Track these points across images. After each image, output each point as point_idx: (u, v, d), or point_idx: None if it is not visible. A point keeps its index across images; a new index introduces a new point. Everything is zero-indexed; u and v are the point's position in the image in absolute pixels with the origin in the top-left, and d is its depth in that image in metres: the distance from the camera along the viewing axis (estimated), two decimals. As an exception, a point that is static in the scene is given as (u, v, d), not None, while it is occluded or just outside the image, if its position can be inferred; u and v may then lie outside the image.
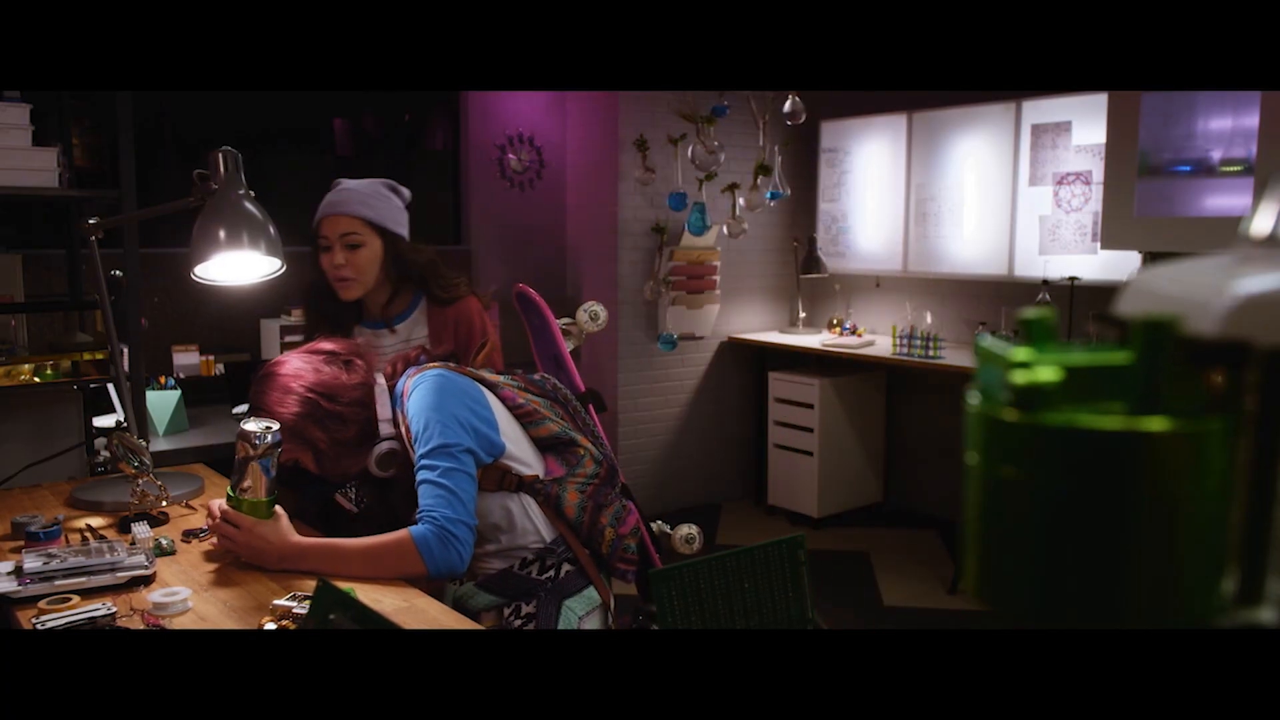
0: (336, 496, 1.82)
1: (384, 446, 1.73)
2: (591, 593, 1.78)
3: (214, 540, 1.70)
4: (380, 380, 1.78)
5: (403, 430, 1.72)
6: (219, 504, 1.69)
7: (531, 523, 1.73)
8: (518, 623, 1.73)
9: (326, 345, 1.80)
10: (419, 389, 1.70)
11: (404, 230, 2.15)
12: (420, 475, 1.62)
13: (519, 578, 1.73)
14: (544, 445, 1.80)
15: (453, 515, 1.57)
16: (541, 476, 1.74)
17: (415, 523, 1.60)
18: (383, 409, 1.75)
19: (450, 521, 1.57)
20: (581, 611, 1.77)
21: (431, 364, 1.78)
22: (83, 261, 2.65)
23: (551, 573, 1.74)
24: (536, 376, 1.97)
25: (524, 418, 1.78)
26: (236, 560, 1.67)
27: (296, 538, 1.63)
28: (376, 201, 2.11)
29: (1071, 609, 0.37)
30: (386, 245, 2.12)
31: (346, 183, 2.14)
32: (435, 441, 1.62)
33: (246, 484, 1.61)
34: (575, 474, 1.78)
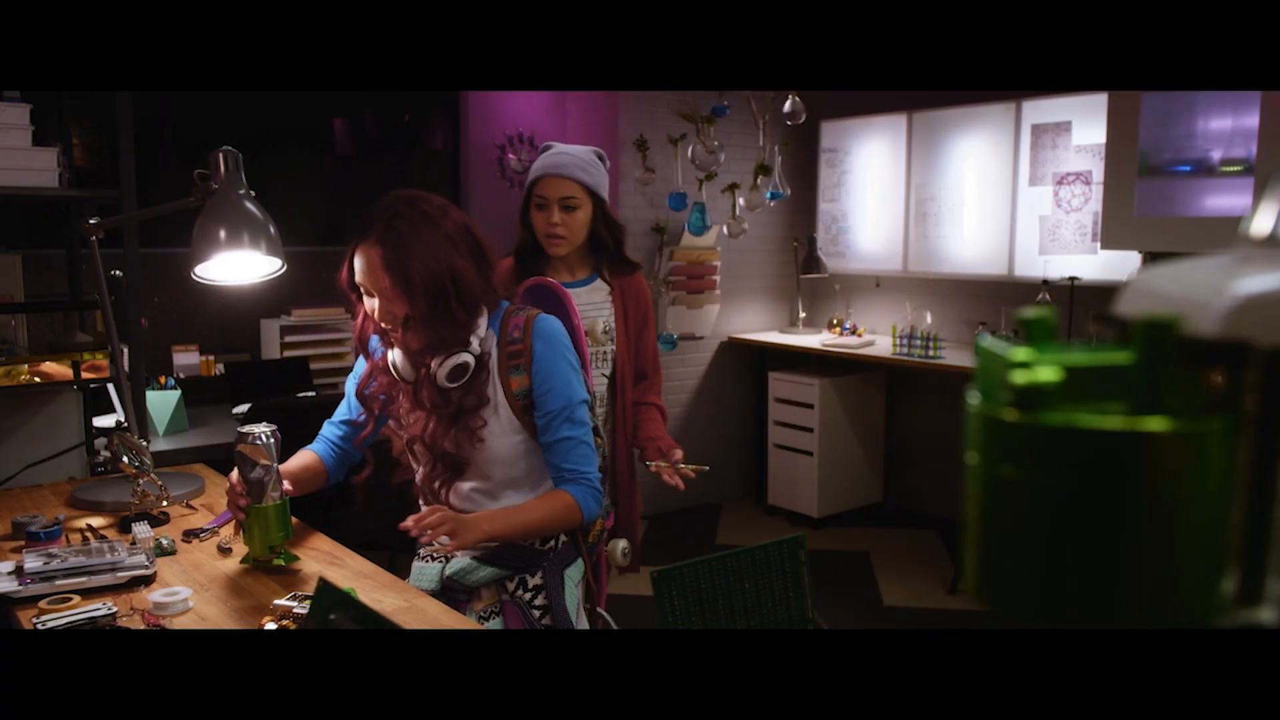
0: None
1: (462, 358, 1.63)
2: (580, 563, 1.83)
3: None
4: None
5: (495, 355, 1.69)
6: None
7: (547, 482, 1.76)
8: (527, 595, 1.73)
9: (476, 230, 1.71)
10: (548, 334, 1.71)
11: (607, 196, 2.31)
12: (565, 429, 1.70)
13: (523, 549, 1.73)
14: None
15: (595, 474, 1.74)
16: None
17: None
18: (481, 326, 1.68)
19: (597, 480, 1.74)
20: (575, 580, 1.81)
21: (539, 310, 1.77)
22: (83, 261, 2.65)
23: (552, 543, 1.76)
24: None
25: None
26: (236, 560, 1.67)
27: (479, 515, 1.65)
28: (592, 169, 2.25)
29: (1071, 609, 0.37)
30: (596, 210, 2.27)
31: (560, 146, 2.27)
32: (580, 396, 1.73)
33: (274, 493, 1.62)
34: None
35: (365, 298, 1.66)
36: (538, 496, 1.71)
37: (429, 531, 1.54)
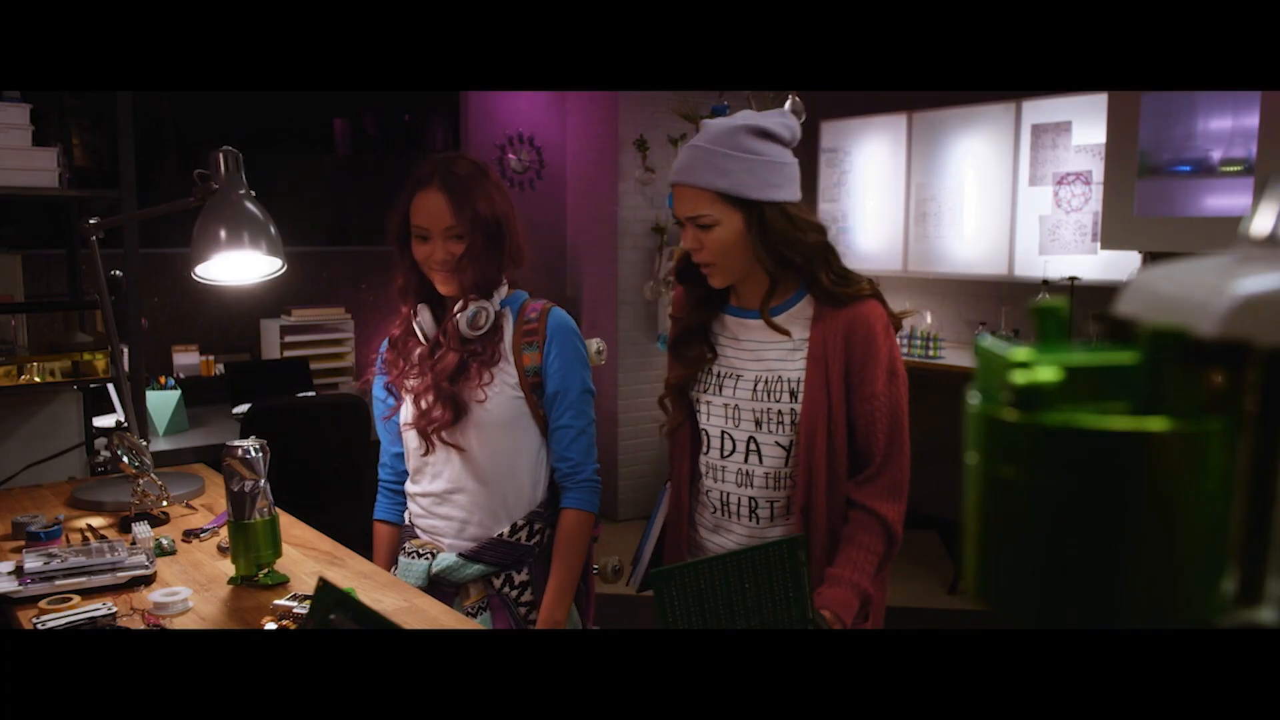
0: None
1: (484, 304, 1.73)
2: None
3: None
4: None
5: (510, 331, 1.76)
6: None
7: (542, 473, 1.78)
8: (513, 593, 1.73)
9: (519, 229, 1.79)
10: (560, 324, 1.77)
11: (780, 192, 1.58)
12: (566, 417, 1.75)
13: (509, 545, 1.74)
14: None
15: (592, 465, 1.77)
16: None
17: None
18: (504, 290, 1.77)
19: (593, 471, 1.77)
20: None
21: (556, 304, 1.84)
22: (83, 261, 2.65)
23: (539, 537, 1.76)
24: None
25: None
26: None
27: (549, 605, 1.72)
28: (733, 163, 1.56)
29: (1071, 609, 0.37)
30: (753, 220, 1.57)
31: (705, 130, 1.62)
32: (585, 385, 1.77)
33: (261, 505, 1.58)
34: None
35: (418, 244, 1.72)
36: (556, 547, 1.75)
37: None
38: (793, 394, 1.60)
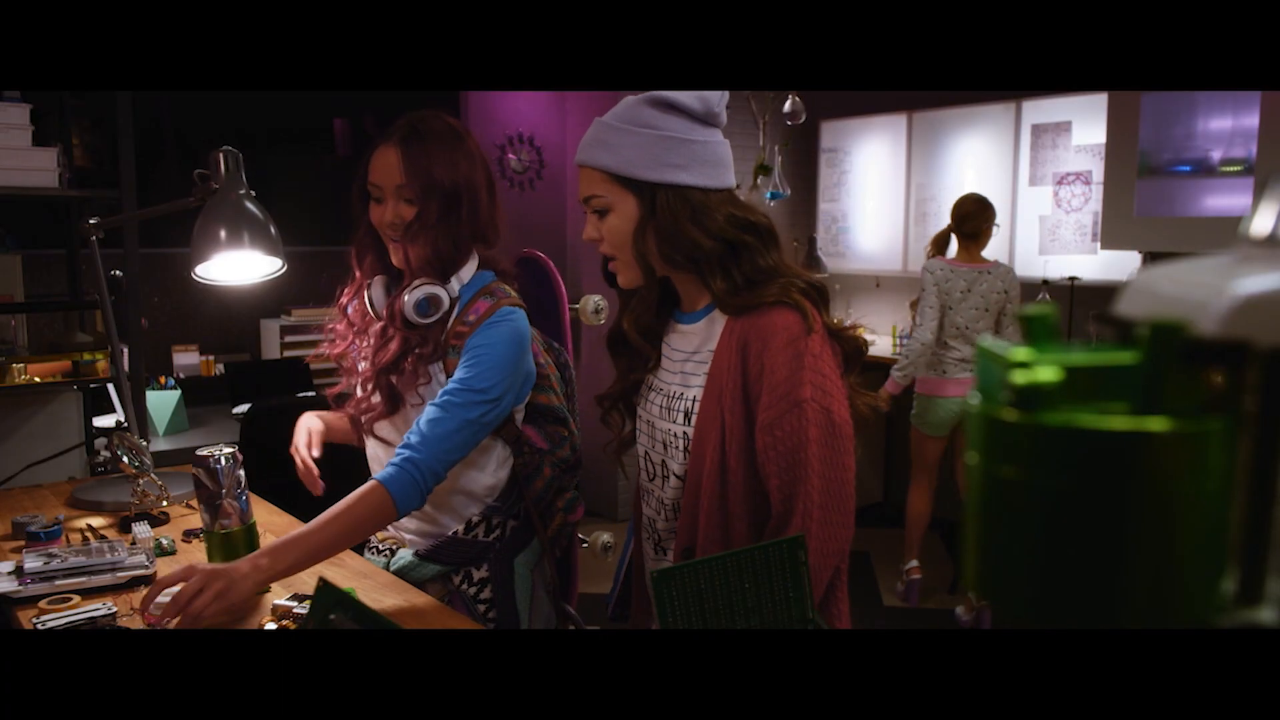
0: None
1: (434, 290, 1.55)
2: (535, 544, 1.75)
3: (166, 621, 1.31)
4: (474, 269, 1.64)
5: (451, 323, 1.60)
6: (162, 599, 1.32)
7: (498, 467, 1.69)
8: (472, 590, 1.69)
9: (490, 166, 1.65)
10: (498, 330, 1.55)
11: (681, 174, 1.33)
12: (439, 398, 1.52)
13: (465, 543, 1.68)
14: (531, 411, 1.74)
15: (434, 463, 1.48)
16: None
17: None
18: (465, 273, 1.62)
19: (429, 471, 1.48)
20: (529, 565, 1.73)
21: (515, 301, 1.62)
22: (83, 261, 2.65)
23: (498, 531, 1.70)
24: (555, 344, 1.91)
25: (537, 379, 1.72)
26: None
27: (258, 551, 1.40)
28: (625, 138, 1.33)
29: (1071, 609, 0.37)
30: (646, 206, 1.34)
31: (617, 107, 1.40)
32: (491, 393, 1.52)
33: (225, 516, 1.52)
34: (555, 452, 1.75)
35: (374, 206, 1.60)
36: (342, 501, 1.46)
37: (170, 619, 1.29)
38: (687, 416, 1.38)
